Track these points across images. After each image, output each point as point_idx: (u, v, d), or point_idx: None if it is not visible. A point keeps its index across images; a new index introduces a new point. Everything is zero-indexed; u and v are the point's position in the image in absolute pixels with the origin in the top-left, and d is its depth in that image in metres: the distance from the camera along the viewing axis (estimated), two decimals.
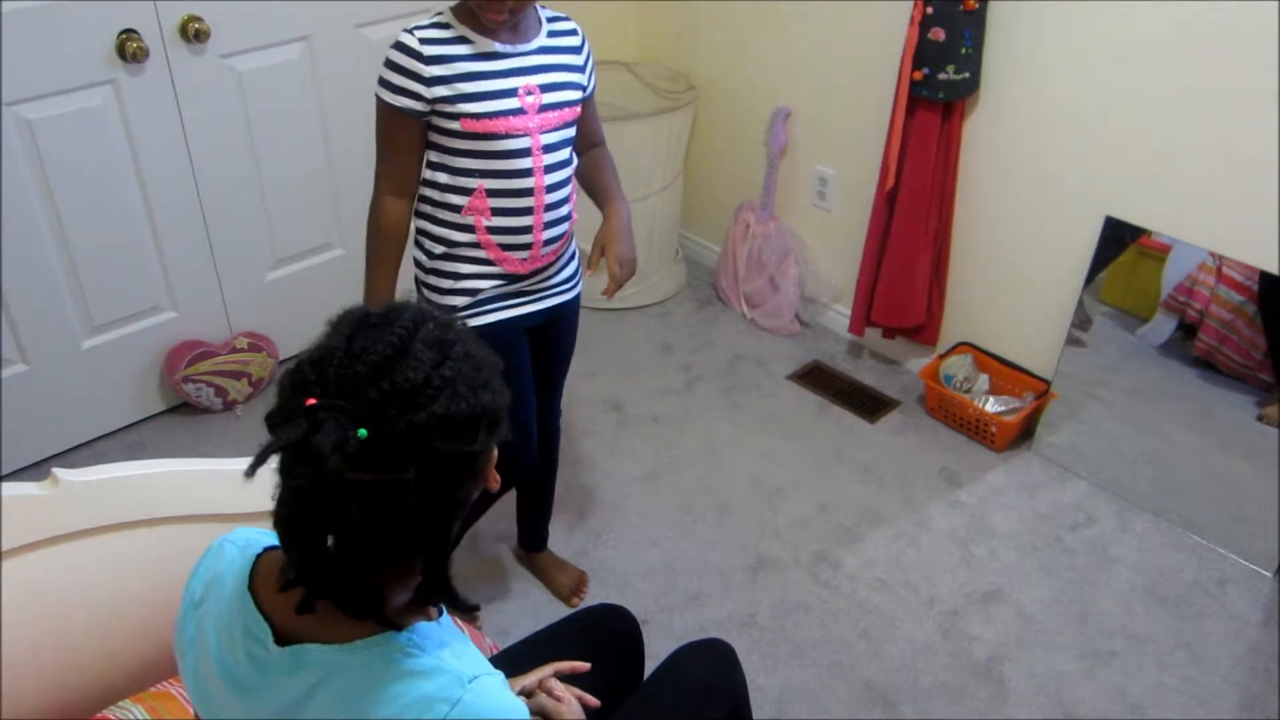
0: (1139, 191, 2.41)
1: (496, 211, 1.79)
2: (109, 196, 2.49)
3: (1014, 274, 2.74)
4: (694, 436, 2.81)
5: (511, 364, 1.30)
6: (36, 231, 2.42)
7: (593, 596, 2.33)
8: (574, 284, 2.02)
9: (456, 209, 1.79)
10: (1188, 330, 2.41)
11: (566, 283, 1.99)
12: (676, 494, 2.62)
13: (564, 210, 1.86)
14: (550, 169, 1.79)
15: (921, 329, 2.92)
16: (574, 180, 1.90)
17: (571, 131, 1.84)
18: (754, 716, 2.05)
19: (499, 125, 1.72)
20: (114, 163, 2.47)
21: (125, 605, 1.52)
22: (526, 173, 1.77)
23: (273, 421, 0.92)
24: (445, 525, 0.97)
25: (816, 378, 3.05)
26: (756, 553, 2.45)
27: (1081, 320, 2.59)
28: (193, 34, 2.44)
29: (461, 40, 1.72)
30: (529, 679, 1.36)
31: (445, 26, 1.73)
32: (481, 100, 1.71)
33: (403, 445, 0.88)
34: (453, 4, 1.75)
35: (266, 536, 1.10)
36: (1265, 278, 2.26)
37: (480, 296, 1.86)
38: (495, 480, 1.04)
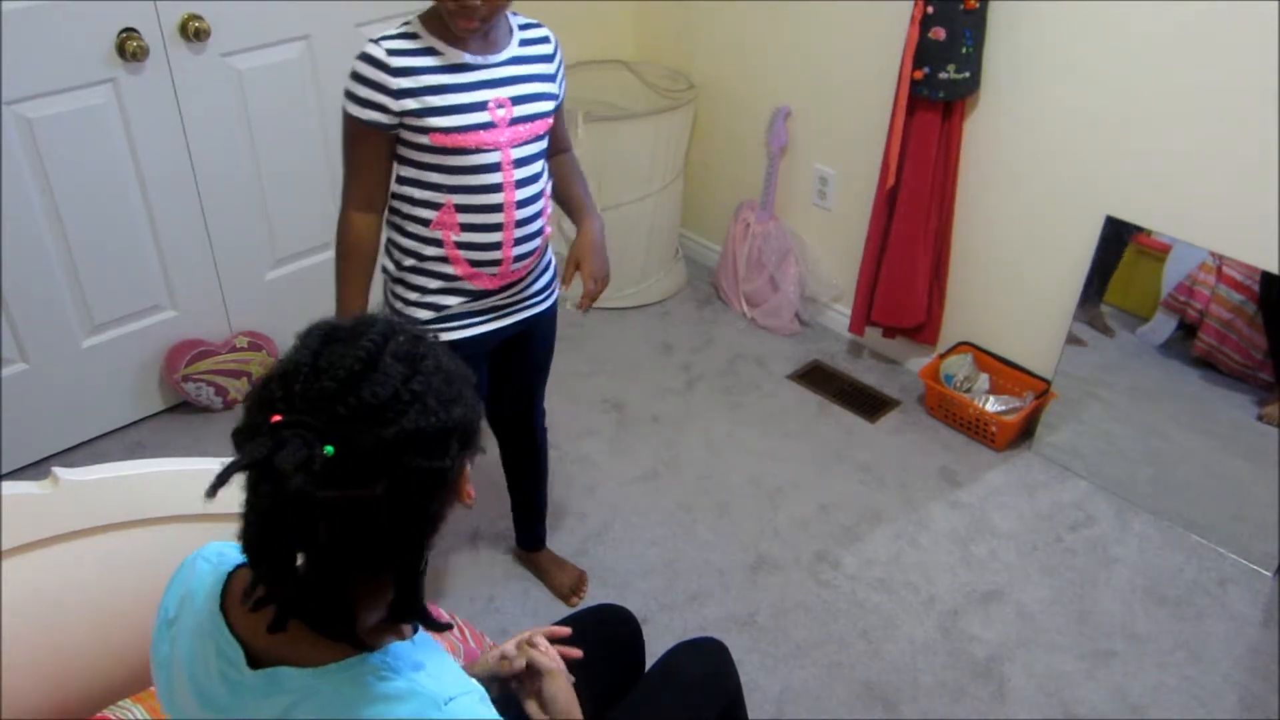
0: (1139, 191, 2.41)
1: (465, 227, 1.74)
2: (109, 195, 2.49)
3: (1014, 273, 2.74)
4: (694, 436, 2.81)
5: None
6: (36, 230, 2.42)
7: (593, 596, 2.33)
8: (548, 295, 1.98)
9: (425, 222, 1.75)
10: (1188, 330, 2.41)
11: (539, 294, 1.95)
12: (676, 493, 2.62)
13: (536, 225, 1.82)
14: (521, 183, 1.75)
15: (921, 328, 2.92)
16: (547, 194, 1.85)
17: (544, 144, 1.80)
18: (754, 716, 2.06)
19: (469, 140, 1.68)
20: (114, 162, 2.47)
21: (125, 604, 1.52)
22: (496, 188, 1.73)
23: (239, 439, 0.90)
24: (417, 542, 0.95)
25: (816, 377, 3.05)
26: (756, 552, 2.45)
27: (1093, 318, 2.58)
28: (193, 33, 2.44)
29: (430, 51, 1.67)
30: (509, 644, 1.35)
31: (413, 36, 1.67)
32: (451, 114, 1.67)
33: (371, 462, 0.86)
34: (421, 12, 1.71)
35: (239, 551, 1.07)
36: (1267, 278, 2.25)
37: (446, 312, 1.82)
38: (470, 495, 1.02)
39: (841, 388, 3.01)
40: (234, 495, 1.54)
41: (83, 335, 2.61)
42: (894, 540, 2.48)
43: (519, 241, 1.79)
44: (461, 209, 1.73)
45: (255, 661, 0.97)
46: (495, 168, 1.72)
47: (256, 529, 0.89)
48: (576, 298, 1.96)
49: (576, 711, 1.32)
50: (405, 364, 0.90)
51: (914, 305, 2.83)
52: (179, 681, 1.04)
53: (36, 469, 2.60)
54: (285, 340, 2.90)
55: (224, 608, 1.01)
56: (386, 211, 1.80)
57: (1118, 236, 2.47)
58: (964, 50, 2.47)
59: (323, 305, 1.61)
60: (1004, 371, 2.82)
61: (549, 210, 1.86)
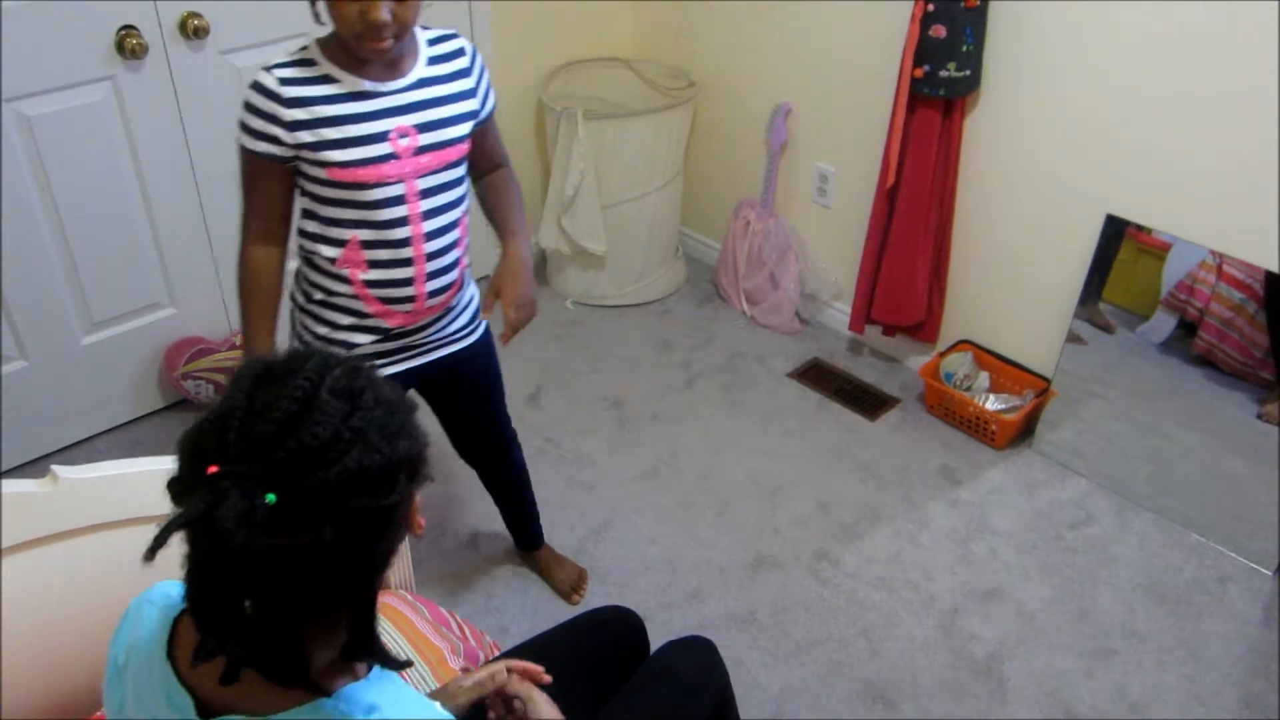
0: (1140, 189, 2.41)
1: (373, 264, 1.66)
2: (108, 193, 2.49)
3: (1014, 271, 2.74)
4: (694, 434, 2.81)
5: None
6: (35, 228, 2.41)
7: (593, 594, 2.33)
8: (471, 329, 1.89)
9: (331, 260, 1.67)
10: (1188, 328, 2.41)
11: (461, 330, 1.86)
12: (676, 491, 2.62)
13: (450, 258, 1.72)
14: (430, 215, 1.66)
15: (922, 326, 2.92)
16: (465, 223, 1.76)
17: (459, 170, 1.70)
18: (754, 714, 2.06)
19: (368, 174, 1.59)
20: (113, 159, 2.47)
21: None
22: (401, 222, 1.64)
23: (175, 490, 0.86)
24: (368, 581, 0.91)
25: (816, 375, 3.05)
26: (756, 550, 2.45)
27: (1093, 316, 2.58)
28: (192, 30, 2.44)
29: (326, 79, 1.57)
30: (481, 674, 1.31)
31: (308, 63, 1.57)
32: (348, 147, 1.57)
33: (316, 506, 0.82)
34: (320, 36, 1.61)
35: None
36: (1269, 277, 2.25)
37: (355, 352, 1.73)
38: (420, 525, 0.98)
39: (841, 386, 3.00)
40: None
41: (82, 333, 2.60)
42: (894, 539, 2.48)
43: (432, 276, 1.70)
44: (367, 245, 1.64)
45: (205, 710, 0.94)
46: (399, 201, 1.63)
47: (200, 584, 0.86)
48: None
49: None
50: (344, 400, 0.86)
51: (914, 303, 2.83)
52: None
53: (36, 467, 2.60)
54: (284, 339, 2.90)
55: (171, 655, 0.97)
56: (298, 251, 1.72)
57: (1118, 234, 2.46)
58: (965, 48, 2.47)
59: None
60: (1004, 370, 2.82)
61: (466, 239, 1.77)
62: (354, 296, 1.69)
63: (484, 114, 1.74)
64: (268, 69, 1.56)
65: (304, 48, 1.60)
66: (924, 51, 2.49)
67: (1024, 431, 2.77)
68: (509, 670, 1.31)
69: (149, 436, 2.71)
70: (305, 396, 0.85)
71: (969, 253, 2.81)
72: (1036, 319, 2.73)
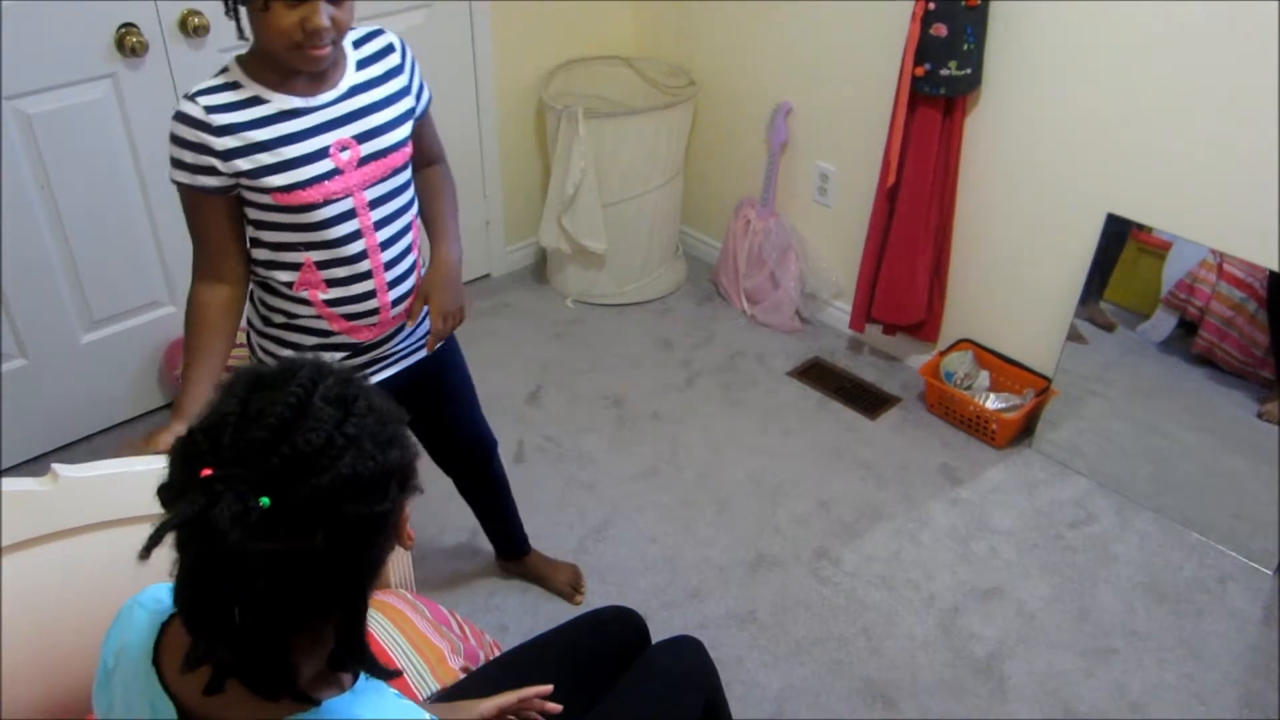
0: (1140, 188, 2.41)
1: (331, 283, 1.61)
2: (108, 191, 2.49)
3: (1015, 270, 2.73)
4: (694, 433, 2.81)
5: None
6: (35, 226, 2.41)
7: (593, 594, 2.33)
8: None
9: (288, 284, 1.61)
10: (1188, 327, 2.41)
11: (425, 336, 1.81)
12: (676, 490, 2.62)
13: (408, 263, 1.68)
14: (382, 225, 1.61)
15: (922, 325, 2.92)
16: (416, 224, 1.71)
17: (405, 174, 1.65)
18: (754, 713, 2.06)
19: (313, 194, 1.52)
20: (113, 157, 2.47)
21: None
22: (354, 237, 1.58)
23: (166, 496, 0.86)
24: (359, 590, 0.91)
25: (817, 374, 3.05)
26: (756, 549, 2.45)
27: (1093, 315, 2.58)
28: (192, 28, 2.44)
29: (254, 101, 1.49)
30: (507, 698, 1.34)
31: (233, 86, 1.49)
32: (288, 169, 1.50)
33: (309, 512, 0.83)
34: (237, 56, 1.53)
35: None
36: (1271, 276, 2.25)
37: None
38: (410, 537, 0.98)
39: (842, 385, 3.00)
40: None
41: (82, 331, 2.60)
42: (894, 537, 2.48)
43: (392, 285, 1.66)
44: (322, 265, 1.59)
45: (188, 719, 0.94)
46: (349, 216, 1.57)
47: (191, 589, 0.85)
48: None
49: None
50: (337, 407, 0.86)
51: (914, 302, 2.82)
52: None
53: (36, 465, 2.60)
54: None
55: (157, 660, 0.97)
56: (252, 278, 1.65)
57: (1119, 233, 2.46)
58: (965, 47, 2.47)
59: None
60: (1004, 369, 2.82)
61: (417, 238, 1.72)
62: (316, 317, 1.64)
63: (420, 109, 1.69)
64: (190, 97, 1.48)
65: (224, 69, 1.52)
66: (925, 50, 2.49)
67: (1024, 430, 2.77)
68: (520, 700, 1.35)
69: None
70: (299, 403, 0.85)
71: (969, 252, 2.81)
72: (1037, 318, 2.73)
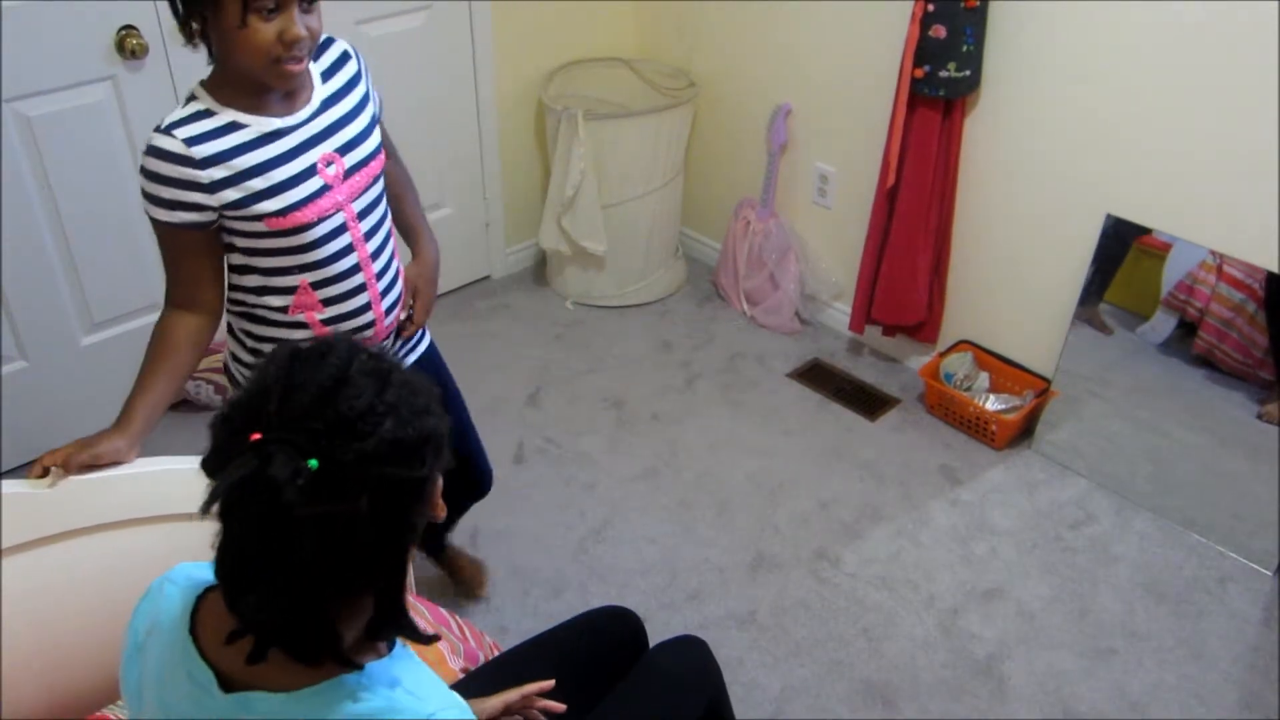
0: (1140, 189, 2.41)
1: (328, 301, 1.58)
2: (108, 193, 2.49)
3: (1014, 272, 2.74)
4: (694, 434, 2.81)
5: None
6: (36, 228, 2.41)
7: (593, 594, 2.33)
8: (421, 334, 1.85)
9: (282, 309, 1.58)
10: (1188, 328, 2.41)
11: (414, 339, 1.82)
12: (676, 491, 2.62)
13: (394, 269, 1.67)
14: (370, 234, 1.60)
15: (922, 327, 2.92)
16: (392, 227, 1.70)
17: (382, 181, 1.63)
18: (754, 714, 2.06)
19: (308, 214, 1.49)
20: (113, 159, 2.47)
21: (124, 603, 1.51)
22: (347, 250, 1.57)
23: (211, 466, 0.88)
24: (399, 555, 0.94)
25: (816, 375, 3.05)
26: (756, 550, 2.45)
27: (1093, 316, 2.58)
28: None
29: (233, 126, 1.44)
30: (511, 695, 1.36)
31: (207, 114, 1.43)
32: (281, 192, 1.47)
33: (354, 475, 0.86)
34: (201, 81, 1.47)
35: (206, 573, 1.05)
36: (1270, 278, 2.25)
37: None
38: (442, 508, 1.01)
39: (841, 386, 3.00)
40: None
41: (82, 333, 2.60)
42: (894, 538, 2.48)
43: (384, 293, 1.65)
44: (319, 285, 1.56)
45: (227, 685, 0.96)
46: (341, 230, 1.55)
47: (237, 556, 0.88)
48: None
49: None
50: (374, 379, 0.90)
51: (914, 303, 2.83)
52: (149, 708, 1.02)
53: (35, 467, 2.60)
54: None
55: (193, 632, 1.00)
56: (229, 304, 1.62)
57: (1119, 235, 2.47)
58: (965, 48, 2.47)
59: None
60: (1004, 370, 2.82)
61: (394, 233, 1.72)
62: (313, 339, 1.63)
63: (379, 113, 1.67)
64: (163, 130, 1.41)
65: (191, 97, 1.45)
66: (924, 52, 2.49)
67: (1024, 431, 2.77)
68: (523, 696, 1.38)
69: (149, 437, 2.70)
70: (339, 373, 0.89)
71: (969, 253, 2.81)
72: (1036, 319, 2.73)
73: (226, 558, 0.89)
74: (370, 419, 0.87)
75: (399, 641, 1.03)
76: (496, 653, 1.76)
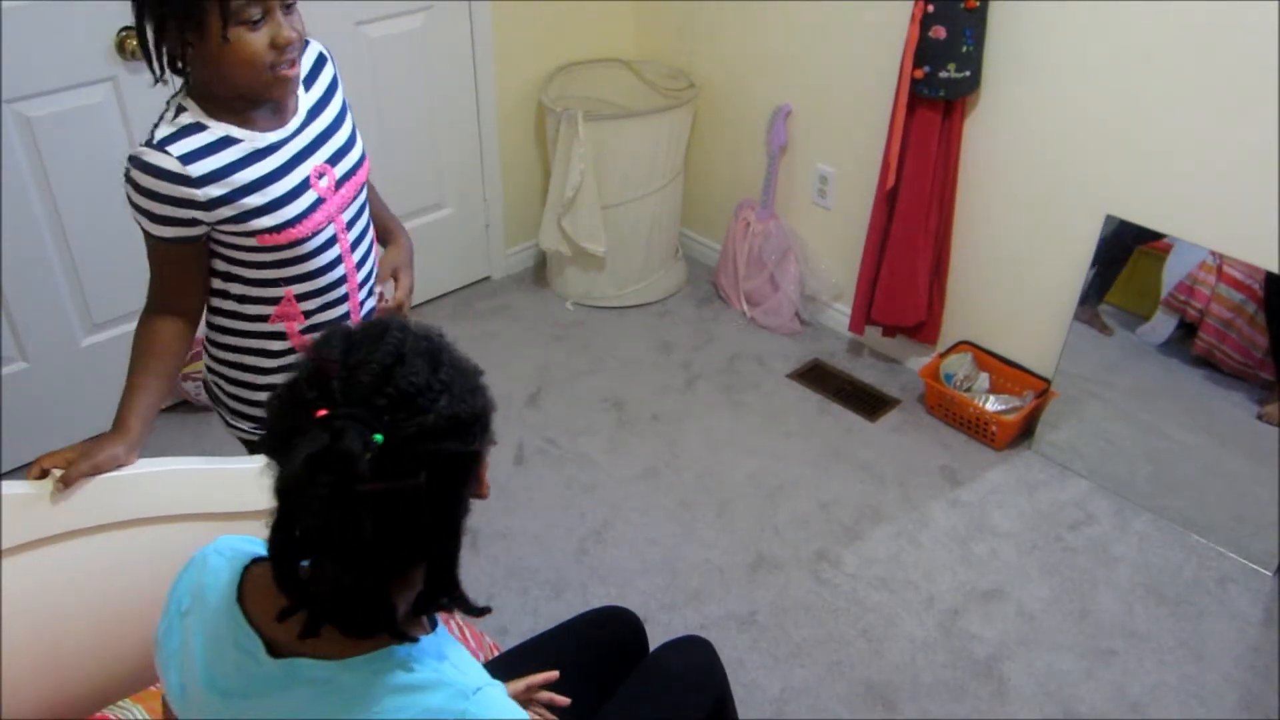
0: (1140, 190, 2.41)
1: (309, 312, 1.58)
2: (108, 194, 2.49)
3: (1014, 272, 2.74)
4: (694, 434, 2.81)
5: None
6: (36, 229, 2.42)
7: (593, 594, 2.33)
8: None
9: (263, 318, 1.56)
10: (1188, 329, 2.41)
11: None
12: (676, 492, 2.62)
13: (374, 274, 1.67)
14: (355, 244, 1.59)
15: (922, 327, 2.92)
16: (373, 233, 1.69)
17: (365, 189, 1.62)
18: (754, 715, 2.06)
19: (303, 229, 1.48)
20: (114, 160, 2.46)
21: (124, 604, 1.52)
22: (336, 262, 1.56)
23: (272, 444, 0.91)
24: (456, 529, 0.97)
25: (816, 376, 3.05)
26: (756, 551, 2.45)
27: (1093, 317, 2.58)
28: None
29: (227, 141, 1.41)
30: (516, 685, 1.38)
31: (198, 128, 1.40)
32: (276, 209, 1.45)
33: (415, 449, 0.88)
34: (188, 92, 1.45)
35: (251, 545, 1.08)
36: (1270, 278, 2.25)
37: None
38: (488, 487, 1.03)
39: (841, 387, 3.01)
40: (232, 496, 1.55)
41: (82, 334, 2.61)
42: (894, 539, 2.48)
43: (363, 302, 1.65)
44: (303, 296, 1.56)
45: (274, 652, 0.99)
46: (332, 243, 1.54)
47: (302, 529, 0.90)
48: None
49: None
50: (427, 358, 0.93)
51: (914, 304, 2.83)
52: (190, 674, 1.04)
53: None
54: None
55: (240, 601, 1.03)
56: (208, 312, 1.59)
57: (1119, 236, 2.47)
58: (964, 49, 2.47)
59: None
60: (1004, 370, 2.82)
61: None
62: (290, 351, 1.60)
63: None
64: (156, 145, 1.38)
65: (181, 109, 1.43)
66: (924, 53, 2.49)
67: (1024, 432, 2.77)
68: (529, 686, 1.40)
69: (149, 438, 2.70)
70: (397, 352, 0.91)
71: (969, 253, 2.81)
72: (1036, 320, 2.73)
73: (283, 535, 0.91)
74: (428, 395, 0.90)
75: (439, 621, 1.06)
76: (496, 653, 1.76)
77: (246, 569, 1.05)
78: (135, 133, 2.47)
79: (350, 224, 1.57)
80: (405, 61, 2.89)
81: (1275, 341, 2.28)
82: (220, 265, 1.52)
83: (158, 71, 1.42)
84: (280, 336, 1.58)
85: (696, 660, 1.56)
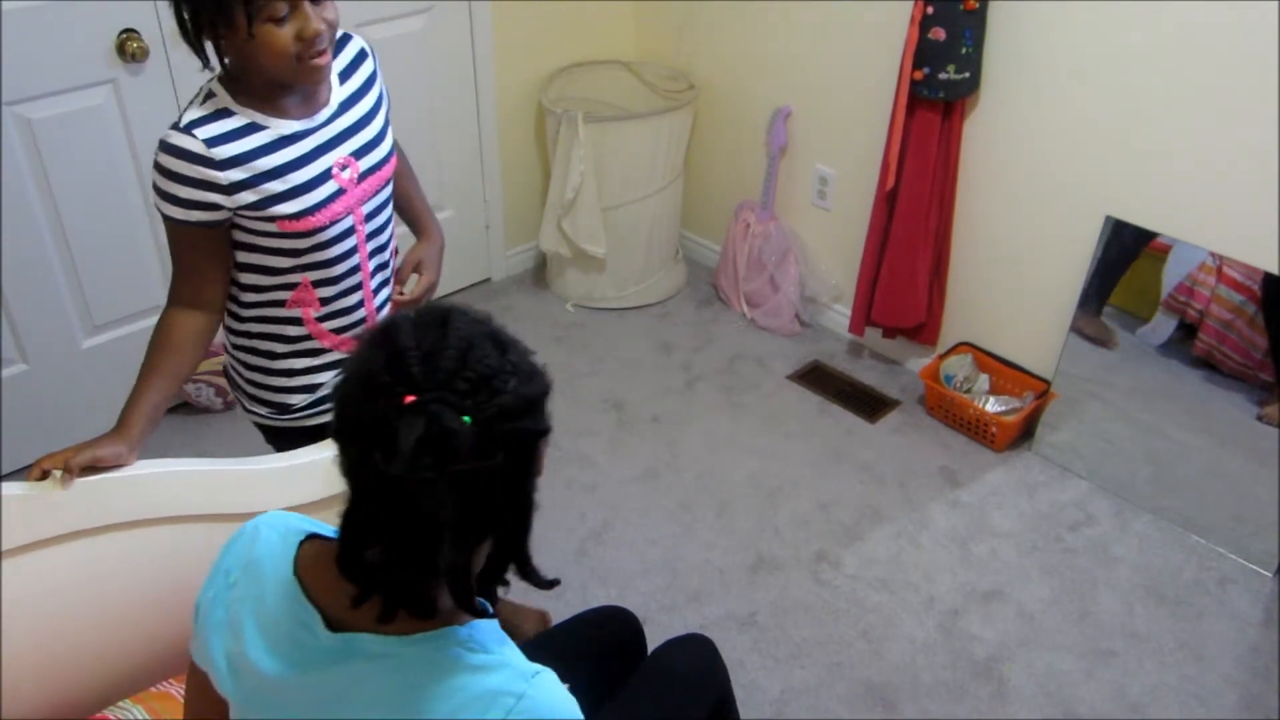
0: (1139, 191, 2.41)
1: (324, 300, 1.60)
2: (109, 196, 2.49)
3: (1014, 273, 2.74)
4: (694, 436, 2.81)
5: None
6: (36, 231, 2.42)
7: (593, 595, 2.33)
8: None
9: (280, 303, 1.59)
10: (1188, 330, 2.41)
11: None
12: (676, 493, 2.62)
13: (388, 269, 1.70)
14: (372, 236, 1.61)
15: (921, 329, 2.92)
16: (393, 226, 1.71)
17: (391, 185, 1.64)
18: (754, 715, 2.06)
19: (321, 218, 1.50)
20: (114, 162, 2.47)
21: (124, 605, 1.52)
22: (351, 253, 1.58)
23: (349, 432, 0.92)
24: (529, 508, 0.99)
25: (816, 377, 3.05)
26: (756, 552, 2.45)
27: (1093, 318, 2.58)
28: None
29: (253, 128, 1.44)
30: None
31: (225, 113, 1.43)
32: (297, 196, 1.47)
33: (495, 429, 0.90)
34: (218, 77, 1.46)
35: (301, 521, 1.10)
36: (1268, 279, 2.25)
37: (321, 394, 1.68)
38: (543, 467, 1.05)
39: (841, 388, 3.01)
40: (235, 495, 1.55)
41: (83, 336, 2.61)
42: (894, 540, 2.48)
43: (377, 290, 1.68)
44: (319, 284, 1.58)
45: (332, 626, 1.00)
46: (349, 233, 1.56)
47: (417, 508, 0.90)
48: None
49: None
50: (493, 342, 0.95)
51: (914, 305, 2.83)
52: (235, 646, 1.05)
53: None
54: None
55: (296, 575, 1.04)
56: (227, 300, 1.60)
57: (1120, 237, 2.47)
58: (964, 50, 2.47)
59: None
60: (1004, 372, 2.82)
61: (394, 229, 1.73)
62: (305, 336, 1.63)
63: (390, 107, 1.67)
64: (182, 129, 1.41)
65: (210, 94, 1.45)
66: (923, 54, 2.50)
67: (1024, 433, 2.78)
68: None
69: (149, 439, 2.70)
70: (468, 337, 0.93)
71: (969, 255, 2.81)
72: (1036, 321, 2.73)
73: (358, 520, 0.93)
74: (501, 377, 0.92)
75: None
76: None
77: (302, 544, 1.06)
78: (136, 135, 2.47)
79: (370, 217, 1.59)
80: (405, 63, 2.89)
81: (1275, 342, 2.28)
82: (241, 253, 1.54)
83: (203, 61, 1.44)
84: (296, 322, 1.61)
85: (699, 659, 1.57)
